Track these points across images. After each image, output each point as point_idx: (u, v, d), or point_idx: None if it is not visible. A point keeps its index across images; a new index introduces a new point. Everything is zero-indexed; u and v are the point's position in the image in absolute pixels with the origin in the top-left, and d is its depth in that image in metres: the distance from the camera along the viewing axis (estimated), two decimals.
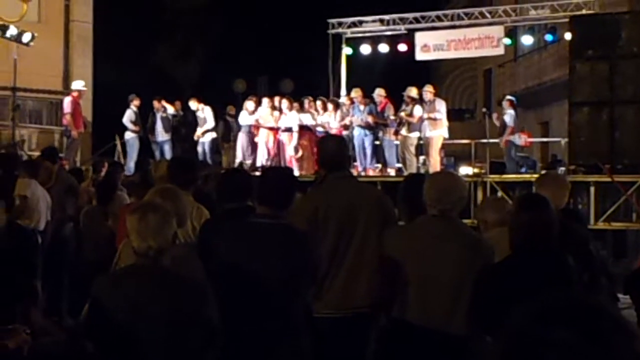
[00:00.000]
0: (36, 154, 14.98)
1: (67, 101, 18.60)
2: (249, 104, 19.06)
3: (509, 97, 18.95)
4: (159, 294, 3.96)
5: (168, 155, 18.63)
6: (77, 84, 19.08)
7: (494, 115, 17.85)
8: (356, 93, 18.06)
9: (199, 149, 19.38)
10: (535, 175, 14.43)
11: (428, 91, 17.38)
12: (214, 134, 19.51)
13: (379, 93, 17.90)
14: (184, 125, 19.84)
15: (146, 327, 3.87)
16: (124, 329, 3.88)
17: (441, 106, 17.32)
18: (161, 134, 19.47)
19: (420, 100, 17.37)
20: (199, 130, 19.37)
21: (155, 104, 19.57)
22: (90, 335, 3.90)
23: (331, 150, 5.64)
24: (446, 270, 4.69)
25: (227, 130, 19.93)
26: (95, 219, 9.05)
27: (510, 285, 4.25)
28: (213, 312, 4.03)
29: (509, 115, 17.74)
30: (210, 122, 19.42)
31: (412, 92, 17.44)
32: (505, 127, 17.70)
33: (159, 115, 19.52)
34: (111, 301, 3.94)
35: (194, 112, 19.54)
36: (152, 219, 4.04)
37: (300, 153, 18.08)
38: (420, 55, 21.25)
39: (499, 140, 17.87)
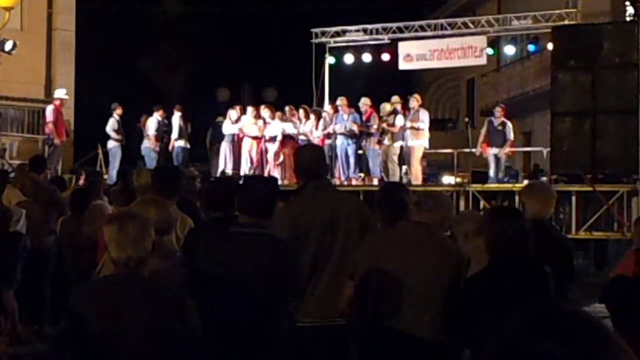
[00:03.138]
0: (17, 162, 14.88)
1: (49, 109, 18.59)
2: (232, 113, 19.08)
3: (501, 104, 19.08)
4: (139, 304, 3.92)
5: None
6: (60, 93, 19.07)
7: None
8: (341, 101, 18.09)
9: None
10: (518, 185, 14.51)
11: (415, 99, 17.44)
12: (182, 142, 19.50)
13: (365, 102, 17.95)
14: (168, 134, 19.80)
15: (126, 337, 3.84)
16: (103, 339, 3.84)
17: (425, 116, 17.39)
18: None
19: (403, 108, 17.49)
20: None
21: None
22: (68, 345, 3.87)
23: (307, 160, 5.61)
24: (416, 275, 4.74)
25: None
26: (71, 229, 9.01)
27: (486, 297, 4.27)
28: (194, 322, 4.00)
29: (509, 129, 17.66)
30: (175, 131, 19.48)
31: (386, 107, 17.59)
32: (505, 139, 17.62)
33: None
34: (90, 311, 3.91)
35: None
36: (131, 228, 4.00)
37: (281, 158, 18.10)
38: (403, 65, 21.29)
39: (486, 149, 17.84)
